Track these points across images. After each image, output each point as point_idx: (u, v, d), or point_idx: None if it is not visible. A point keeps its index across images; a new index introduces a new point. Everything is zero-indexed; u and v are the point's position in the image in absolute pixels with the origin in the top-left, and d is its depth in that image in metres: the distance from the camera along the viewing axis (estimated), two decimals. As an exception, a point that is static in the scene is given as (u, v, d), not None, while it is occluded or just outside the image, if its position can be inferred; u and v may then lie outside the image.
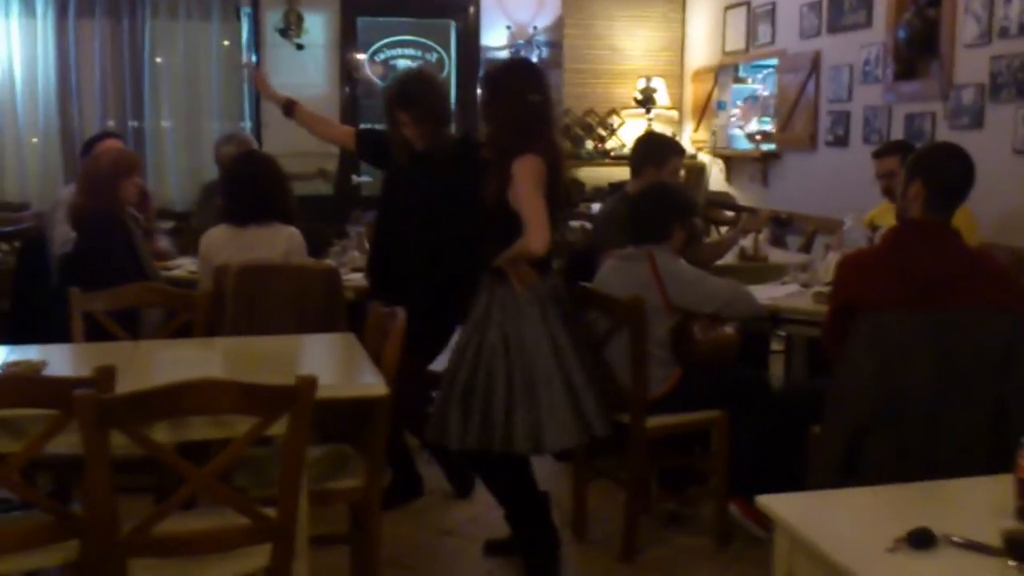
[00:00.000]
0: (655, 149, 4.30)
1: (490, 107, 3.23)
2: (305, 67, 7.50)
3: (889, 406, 2.60)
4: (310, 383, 2.11)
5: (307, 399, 2.12)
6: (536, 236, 3.05)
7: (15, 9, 7.42)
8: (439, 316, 3.80)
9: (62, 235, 4.42)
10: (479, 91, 3.33)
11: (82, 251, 4.14)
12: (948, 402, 2.55)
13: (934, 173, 2.84)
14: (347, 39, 7.66)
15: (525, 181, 3.09)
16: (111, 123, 7.54)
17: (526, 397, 3.12)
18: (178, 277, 4.52)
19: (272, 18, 7.42)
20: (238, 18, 7.69)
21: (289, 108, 4.20)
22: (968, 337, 2.60)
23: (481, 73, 3.85)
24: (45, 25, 7.47)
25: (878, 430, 2.56)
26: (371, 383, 2.54)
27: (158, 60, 7.67)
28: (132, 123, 7.70)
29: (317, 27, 7.56)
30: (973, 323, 2.63)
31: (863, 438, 2.56)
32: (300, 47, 7.39)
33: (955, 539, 1.64)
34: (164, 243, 5.05)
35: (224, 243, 3.88)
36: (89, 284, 3.52)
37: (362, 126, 4.26)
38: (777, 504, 1.83)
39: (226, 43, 7.70)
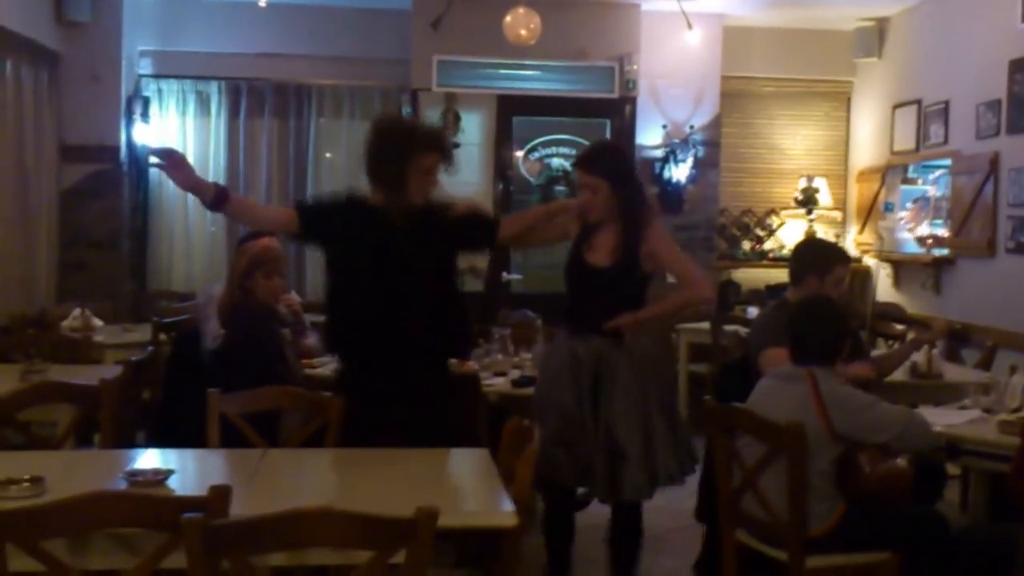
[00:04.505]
0: (818, 257, 3.99)
1: (615, 181, 3.56)
2: (461, 164, 7.54)
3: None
4: (430, 516, 1.95)
5: (427, 533, 1.95)
6: (706, 283, 3.76)
7: (192, 109, 7.84)
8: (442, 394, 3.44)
9: (213, 330, 4.46)
10: (583, 171, 3.62)
11: (228, 348, 4.17)
12: None
13: None
14: (502, 138, 7.70)
15: (670, 243, 3.68)
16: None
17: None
18: (322, 376, 4.48)
19: (431, 117, 7.54)
20: (399, 117, 7.91)
21: (220, 198, 3.29)
22: None
23: (583, 154, 3.92)
24: (218, 124, 7.86)
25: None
26: (500, 511, 2.36)
27: (327, 155, 7.93)
28: (297, 214, 7.95)
29: (473, 126, 7.64)
30: None
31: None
32: (457, 145, 7.46)
33: None
34: (312, 340, 5.05)
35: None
36: (233, 382, 3.50)
37: (299, 200, 3.68)
38: None
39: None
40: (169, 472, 2.54)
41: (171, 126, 7.80)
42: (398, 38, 7.61)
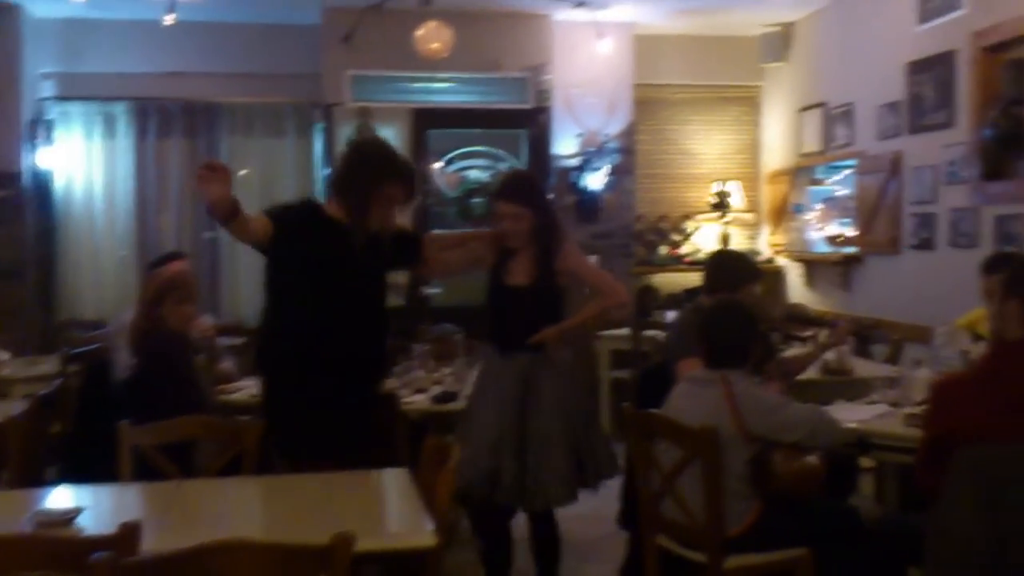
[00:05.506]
0: (729, 275, 4.07)
1: (536, 209, 3.73)
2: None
3: (995, 555, 2.31)
4: (346, 542, 1.94)
5: (343, 559, 1.94)
6: (620, 288, 3.85)
7: (98, 131, 7.66)
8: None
9: (124, 359, 4.37)
10: (508, 201, 3.72)
11: (139, 377, 4.08)
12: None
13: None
14: (418, 151, 7.69)
15: (583, 258, 3.97)
16: (184, 236, 7.65)
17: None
18: (238, 402, 4.41)
19: (345, 132, 7.49)
20: (311, 133, 7.84)
21: (233, 213, 3.14)
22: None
23: (504, 185, 3.98)
24: (127, 145, 7.68)
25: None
26: (420, 532, 2.35)
27: (241, 173, 7.79)
28: (208, 234, 7.77)
29: (389, 139, 7.59)
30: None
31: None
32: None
33: None
34: (228, 364, 4.97)
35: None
36: (145, 412, 3.43)
37: (273, 208, 3.50)
38: None
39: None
40: (79, 511, 2.48)
41: (77, 149, 7.61)
42: (308, 53, 7.55)
